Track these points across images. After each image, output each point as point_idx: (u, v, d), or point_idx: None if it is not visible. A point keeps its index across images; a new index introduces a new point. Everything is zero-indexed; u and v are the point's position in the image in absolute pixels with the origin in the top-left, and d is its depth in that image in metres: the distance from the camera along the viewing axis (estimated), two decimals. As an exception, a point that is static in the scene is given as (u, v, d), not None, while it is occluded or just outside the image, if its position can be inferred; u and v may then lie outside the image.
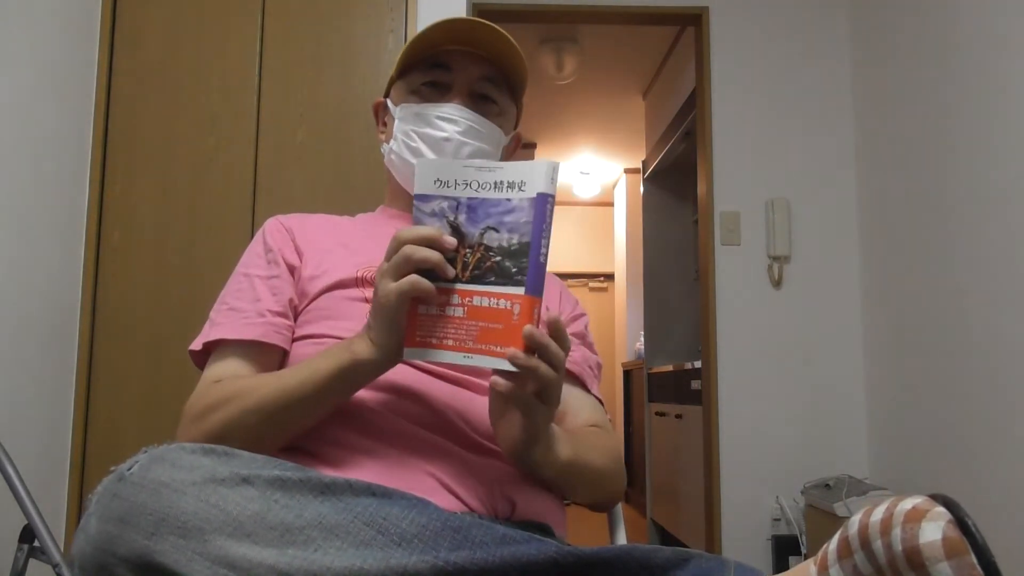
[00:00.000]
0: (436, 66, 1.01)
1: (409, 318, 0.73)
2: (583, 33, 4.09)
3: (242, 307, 0.95)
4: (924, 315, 2.56)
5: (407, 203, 1.07)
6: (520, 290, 0.70)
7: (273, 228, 1.03)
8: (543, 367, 0.72)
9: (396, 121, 1.04)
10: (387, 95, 1.09)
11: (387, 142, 1.07)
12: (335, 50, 2.33)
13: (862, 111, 3.05)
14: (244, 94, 2.31)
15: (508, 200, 0.71)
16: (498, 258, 0.71)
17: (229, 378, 0.90)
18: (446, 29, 0.98)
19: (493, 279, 0.71)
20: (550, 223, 0.72)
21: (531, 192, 0.70)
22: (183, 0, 2.33)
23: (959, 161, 2.37)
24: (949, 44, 2.44)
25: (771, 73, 3.14)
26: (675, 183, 4.71)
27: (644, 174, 4.85)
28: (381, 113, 1.11)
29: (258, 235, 1.03)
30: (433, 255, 0.73)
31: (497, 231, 0.71)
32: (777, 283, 3.04)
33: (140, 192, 2.26)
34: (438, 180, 0.71)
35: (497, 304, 0.71)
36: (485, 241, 0.71)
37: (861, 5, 3.06)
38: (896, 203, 2.77)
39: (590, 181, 6.50)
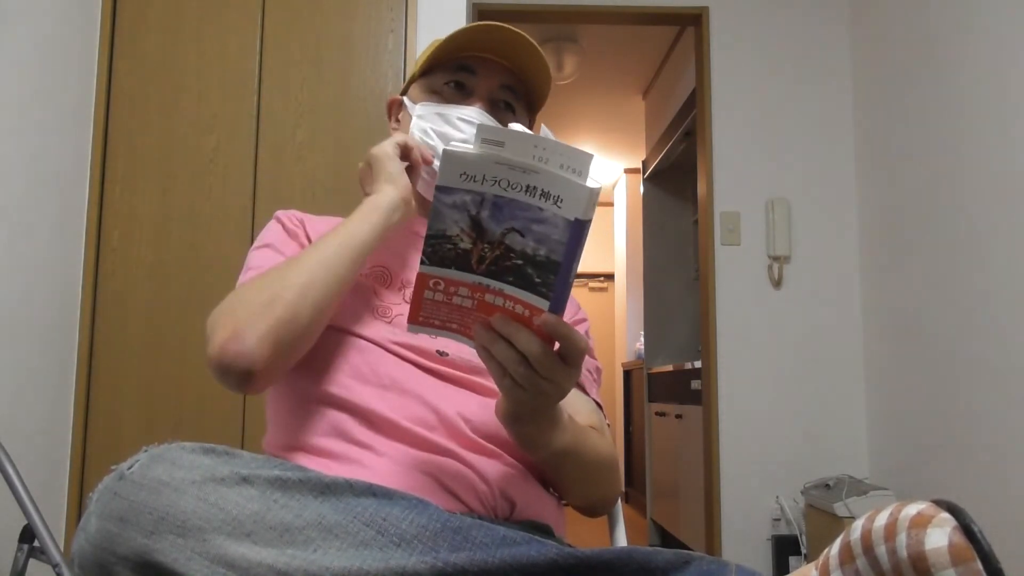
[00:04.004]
0: (461, 68, 1.02)
1: (414, 298, 0.72)
2: (583, 33, 4.08)
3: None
4: (924, 315, 2.55)
5: (414, 205, 1.07)
6: (543, 304, 0.69)
7: (287, 218, 1.03)
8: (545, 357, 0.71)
9: (413, 119, 1.03)
10: (404, 93, 1.09)
11: None
12: (335, 50, 2.33)
13: (862, 111, 3.05)
14: (244, 94, 2.31)
15: (540, 209, 0.67)
16: (519, 261, 0.69)
17: None
18: (480, 31, 0.98)
19: (512, 280, 0.69)
20: (582, 248, 0.69)
21: (568, 213, 0.66)
22: (183, 0, 2.33)
23: (959, 160, 2.37)
24: (949, 44, 2.44)
25: (771, 73, 3.14)
26: (675, 183, 4.70)
27: (644, 174, 4.84)
28: (395, 110, 1.10)
29: (272, 223, 1.03)
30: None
31: (522, 235, 0.68)
32: (777, 283, 3.04)
33: (140, 192, 2.26)
34: (464, 174, 0.66)
35: (513, 308, 0.71)
36: (507, 241, 0.68)
37: (861, 5, 3.06)
38: (896, 203, 2.77)
39: (590, 181, 6.49)
